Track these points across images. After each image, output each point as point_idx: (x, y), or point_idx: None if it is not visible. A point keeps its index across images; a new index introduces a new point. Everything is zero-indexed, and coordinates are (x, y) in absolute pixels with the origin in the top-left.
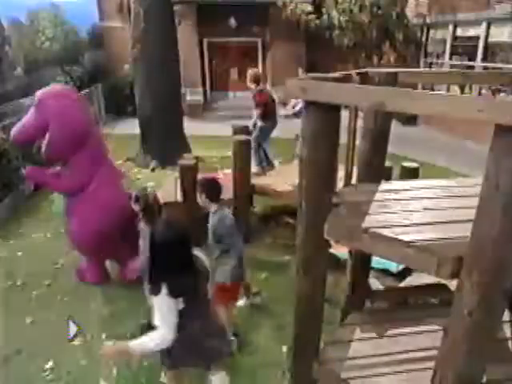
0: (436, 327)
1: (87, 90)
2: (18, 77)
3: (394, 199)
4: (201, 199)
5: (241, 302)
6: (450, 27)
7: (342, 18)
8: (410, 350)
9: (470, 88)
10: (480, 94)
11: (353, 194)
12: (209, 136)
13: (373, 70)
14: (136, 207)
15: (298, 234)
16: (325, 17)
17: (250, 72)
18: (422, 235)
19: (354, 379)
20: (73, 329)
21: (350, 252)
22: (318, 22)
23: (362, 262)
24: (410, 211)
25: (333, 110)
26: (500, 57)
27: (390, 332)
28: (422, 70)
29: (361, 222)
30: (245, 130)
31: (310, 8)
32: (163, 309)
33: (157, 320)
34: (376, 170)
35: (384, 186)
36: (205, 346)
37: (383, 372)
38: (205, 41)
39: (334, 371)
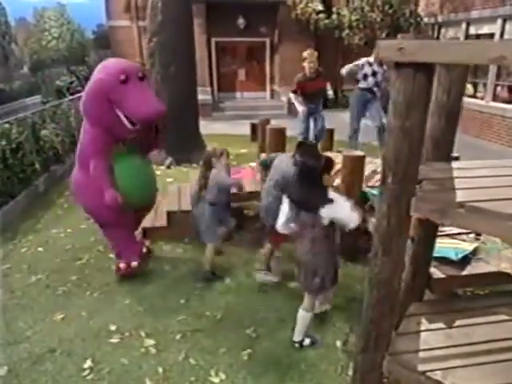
0: (504, 317)
1: None
2: (24, 75)
3: (475, 176)
4: None
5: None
6: (463, 25)
7: (352, 17)
8: (485, 340)
9: (484, 86)
10: (495, 91)
11: (430, 171)
12: (221, 134)
13: None
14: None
15: (377, 212)
16: (334, 16)
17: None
18: None
19: (434, 371)
20: None
21: (413, 238)
22: (327, 21)
23: (425, 248)
24: (502, 187)
25: (427, 74)
26: None
27: (458, 322)
28: None
29: (453, 197)
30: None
31: (320, 7)
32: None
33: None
34: (445, 148)
35: (455, 164)
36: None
37: (464, 364)
38: (212, 40)
39: (410, 363)
